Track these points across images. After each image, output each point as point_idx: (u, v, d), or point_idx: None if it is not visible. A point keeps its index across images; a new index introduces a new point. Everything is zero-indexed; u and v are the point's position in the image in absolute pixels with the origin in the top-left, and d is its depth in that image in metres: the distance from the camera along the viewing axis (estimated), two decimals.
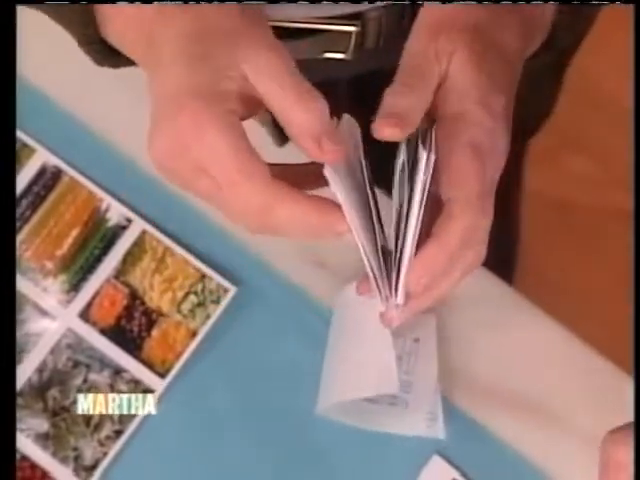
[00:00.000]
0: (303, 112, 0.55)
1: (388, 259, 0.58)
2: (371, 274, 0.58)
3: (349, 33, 0.73)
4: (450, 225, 0.57)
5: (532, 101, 0.97)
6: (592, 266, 1.55)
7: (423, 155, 0.56)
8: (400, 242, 0.57)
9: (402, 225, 0.57)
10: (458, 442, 0.76)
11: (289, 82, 0.55)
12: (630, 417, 0.73)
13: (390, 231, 0.58)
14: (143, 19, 0.57)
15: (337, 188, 0.55)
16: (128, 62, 0.61)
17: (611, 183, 1.58)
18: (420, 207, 0.56)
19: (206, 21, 0.56)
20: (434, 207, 0.58)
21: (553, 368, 0.78)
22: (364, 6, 0.72)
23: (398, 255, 0.57)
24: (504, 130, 0.59)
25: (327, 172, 0.55)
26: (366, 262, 0.57)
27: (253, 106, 0.56)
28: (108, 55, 0.61)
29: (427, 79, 0.58)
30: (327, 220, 0.55)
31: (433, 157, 0.55)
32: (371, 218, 0.58)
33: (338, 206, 0.55)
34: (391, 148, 0.60)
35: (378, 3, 0.72)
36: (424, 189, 0.56)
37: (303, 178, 0.58)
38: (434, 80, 0.58)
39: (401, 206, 0.58)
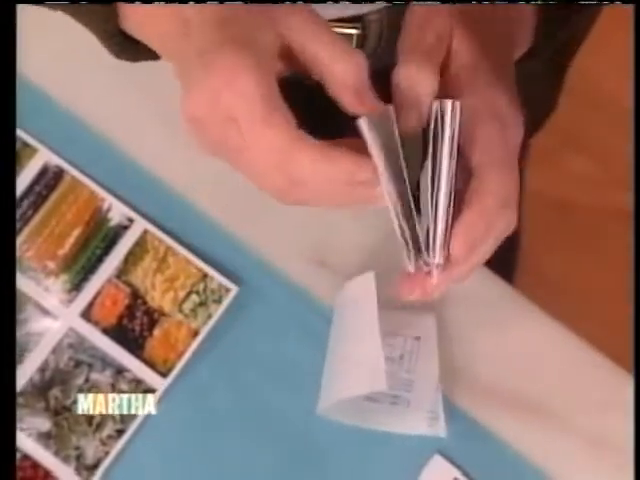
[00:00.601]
0: (344, 64, 0.56)
1: (421, 220, 0.58)
2: (401, 235, 0.58)
3: (350, 35, 0.73)
4: (483, 188, 0.57)
5: (533, 101, 0.97)
6: (592, 266, 1.55)
7: (448, 106, 0.57)
8: (434, 201, 0.58)
9: (435, 184, 0.58)
10: (459, 441, 0.76)
11: (328, 37, 0.56)
12: (630, 416, 0.74)
13: (423, 195, 0.59)
14: (173, 10, 0.57)
15: (370, 138, 0.55)
16: (148, 55, 0.61)
17: (611, 183, 1.58)
18: (450, 158, 0.57)
19: (231, 10, 0.56)
20: (464, 177, 0.58)
21: (553, 367, 0.78)
22: (365, 8, 0.72)
23: (433, 214, 0.58)
24: (517, 100, 0.60)
25: (363, 123, 0.55)
26: (397, 223, 0.58)
27: (287, 62, 0.57)
28: (128, 48, 0.61)
29: (433, 58, 0.59)
30: (352, 169, 0.55)
31: (458, 104, 0.57)
32: (403, 178, 0.57)
33: (364, 157, 0.55)
34: None
35: (378, 5, 0.72)
36: (452, 138, 0.57)
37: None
38: (439, 59, 0.59)
39: (433, 172, 0.58)
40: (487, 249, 0.60)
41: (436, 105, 0.58)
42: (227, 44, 0.54)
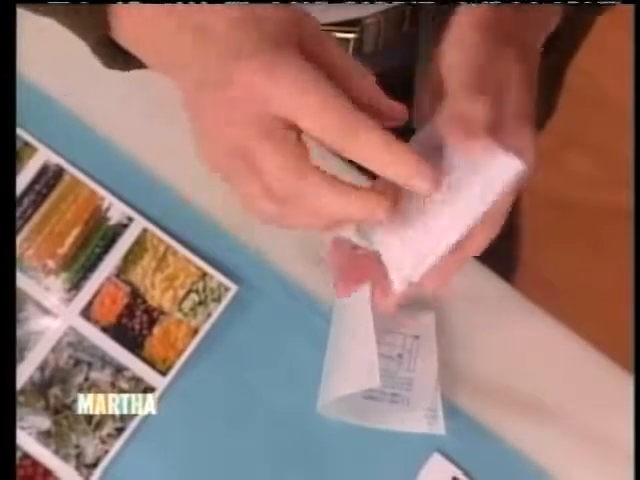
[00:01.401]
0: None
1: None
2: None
3: (347, 40, 0.73)
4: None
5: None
6: (592, 265, 1.55)
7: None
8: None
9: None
10: (458, 440, 0.76)
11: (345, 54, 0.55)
12: (630, 415, 0.74)
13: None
14: (162, 13, 0.55)
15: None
16: (139, 64, 0.61)
17: (611, 183, 1.58)
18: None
19: (253, 9, 0.54)
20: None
21: (553, 366, 0.78)
22: (363, 12, 0.72)
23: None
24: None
25: None
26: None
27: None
28: (120, 58, 0.61)
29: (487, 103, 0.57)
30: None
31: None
32: None
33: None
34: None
35: (375, 8, 0.72)
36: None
37: None
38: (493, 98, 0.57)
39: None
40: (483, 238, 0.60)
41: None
42: (265, 42, 0.52)
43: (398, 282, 0.59)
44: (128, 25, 0.57)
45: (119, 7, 0.56)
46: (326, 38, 0.54)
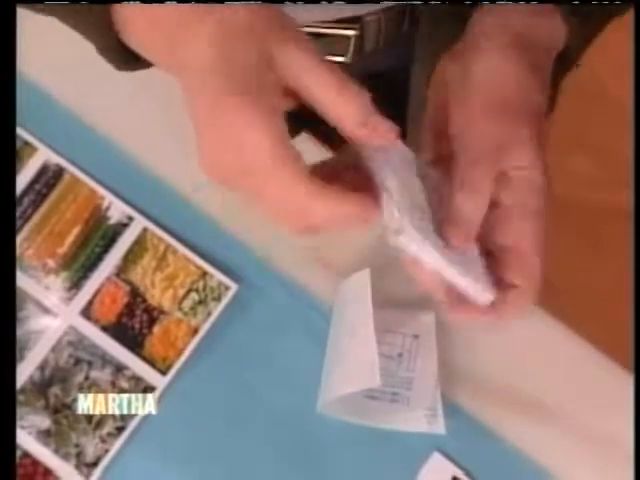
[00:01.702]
0: (347, 102, 0.55)
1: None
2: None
3: (348, 37, 0.73)
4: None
5: None
6: (592, 265, 1.55)
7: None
8: None
9: None
10: (458, 439, 0.76)
11: (328, 76, 0.55)
12: (630, 415, 0.74)
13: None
14: (164, 23, 0.56)
15: (381, 169, 0.56)
16: (148, 65, 0.61)
17: (611, 183, 1.58)
18: None
19: (232, 24, 0.55)
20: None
21: (553, 365, 0.78)
22: (363, 10, 0.72)
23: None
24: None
25: (368, 155, 0.56)
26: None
27: (288, 98, 0.56)
28: (128, 60, 0.61)
29: (487, 179, 0.59)
30: (364, 212, 0.56)
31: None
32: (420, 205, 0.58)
33: (373, 196, 0.56)
34: None
35: (376, 6, 0.72)
36: None
37: (339, 171, 0.59)
38: (492, 178, 0.59)
39: None
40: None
41: None
42: (231, 96, 0.53)
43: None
44: (131, 25, 0.58)
45: (123, 7, 0.56)
46: (308, 65, 0.55)
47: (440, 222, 0.58)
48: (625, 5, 0.67)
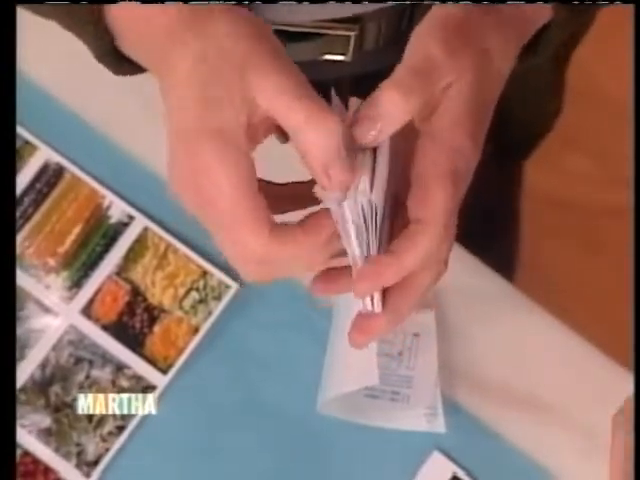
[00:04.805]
0: (313, 135, 0.53)
1: None
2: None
3: (348, 36, 0.73)
4: (411, 248, 0.56)
5: (536, 103, 0.97)
6: (591, 265, 1.55)
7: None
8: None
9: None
10: (458, 438, 0.76)
11: (297, 104, 0.53)
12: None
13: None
14: (156, 36, 0.56)
15: (343, 217, 0.55)
16: (144, 70, 0.61)
17: (611, 182, 1.58)
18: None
19: (216, 42, 0.54)
20: (399, 214, 0.58)
21: (553, 364, 0.78)
22: (363, 9, 0.72)
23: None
24: (479, 156, 0.59)
25: (321, 195, 0.55)
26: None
27: (264, 132, 0.56)
28: (124, 65, 0.61)
29: (424, 93, 0.57)
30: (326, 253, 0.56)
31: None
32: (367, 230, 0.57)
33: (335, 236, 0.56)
34: None
35: (376, 5, 0.72)
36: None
37: (291, 198, 0.59)
38: (428, 97, 0.57)
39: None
40: (410, 301, 0.59)
41: None
42: (204, 135, 0.53)
43: None
44: (124, 31, 0.58)
45: (116, 12, 0.56)
46: (284, 97, 0.54)
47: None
48: None
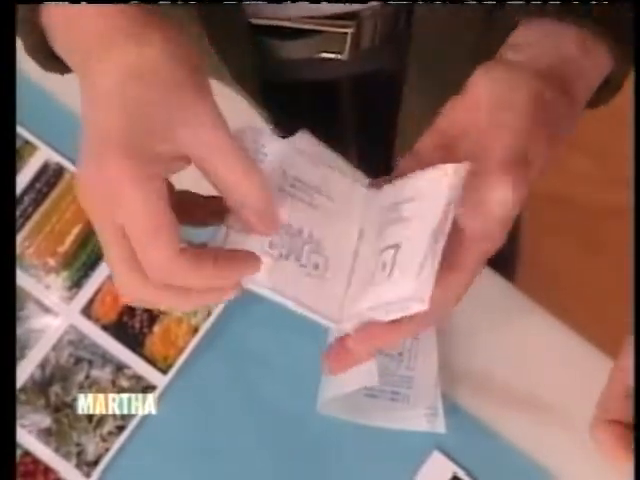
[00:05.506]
0: (248, 188, 0.55)
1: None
2: None
3: (345, 34, 0.73)
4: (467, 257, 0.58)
5: None
6: (592, 265, 1.55)
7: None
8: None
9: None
10: (458, 438, 0.76)
11: (233, 160, 0.54)
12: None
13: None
14: (88, 39, 0.55)
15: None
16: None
17: (611, 182, 1.58)
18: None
19: (149, 61, 0.53)
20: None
21: (553, 364, 0.78)
22: (359, 6, 0.72)
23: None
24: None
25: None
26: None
27: (180, 166, 0.56)
28: (53, 62, 0.60)
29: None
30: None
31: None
32: None
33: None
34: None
35: (373, 3, 0.72)
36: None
37: (202, 209, 0.59)
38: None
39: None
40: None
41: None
42: (121, 149, 0.53)
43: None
44: (53, 27, 0.57)
45: (47, 8, 0.56)
46: (214, 146, 0.54)
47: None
48: None
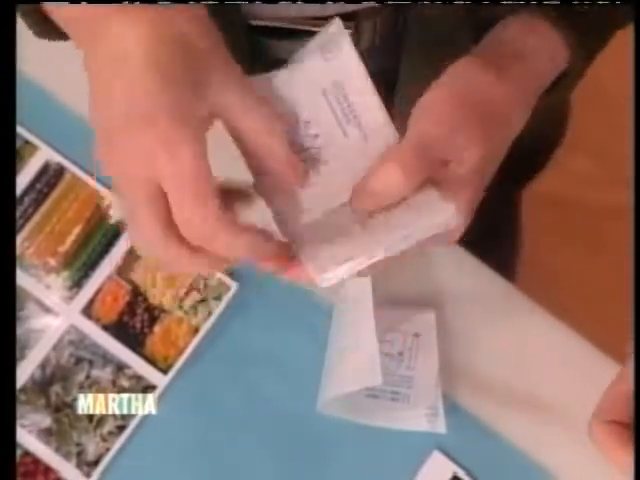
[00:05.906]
0: (279, 144, 0.57)
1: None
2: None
3: None
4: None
5: (543, 132, 0.97)
6: (592, 265, 1.55)
7: None
8: None
9: None
10: (459, 438, 0.76)
11: (259, 115, 0.56)
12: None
13: None
14: (95, 12, 0.55)
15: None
16: (67, 37, 0.61)
17: (611, 182, 1.58)
18: None
19: (178, 30, 0.55)
20: None
21: (553, 364, 0.78)
22: (358, 6, 0.72)
23: None
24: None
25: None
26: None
27: (207, 129, 0.56)
28: (46, 27, 0.61)
29: (425, 172, 0.58)
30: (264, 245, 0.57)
31: None
32: None
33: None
34: None
35: (372, 3, 0.72)
36: None
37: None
38: (430, 174, 0.59)
39: None
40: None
41: None
42: (165, 110, 0.53)
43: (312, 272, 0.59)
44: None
45: None
46: (242, 106, 0.56)
47: None
48: (625, 18, 0.67)
